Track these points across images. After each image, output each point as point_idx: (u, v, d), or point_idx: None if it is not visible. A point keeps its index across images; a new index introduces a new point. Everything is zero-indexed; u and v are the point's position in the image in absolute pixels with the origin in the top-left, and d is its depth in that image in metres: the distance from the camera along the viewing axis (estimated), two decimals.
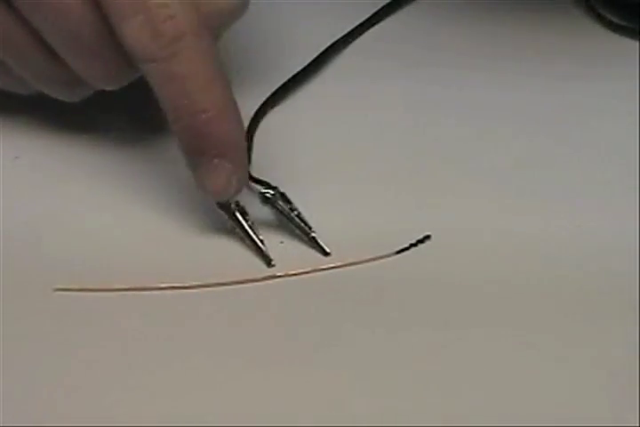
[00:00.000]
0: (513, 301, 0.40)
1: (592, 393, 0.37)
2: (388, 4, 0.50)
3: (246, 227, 0.41)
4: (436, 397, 0.37)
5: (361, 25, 0.49)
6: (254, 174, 0.43)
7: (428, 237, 0.42)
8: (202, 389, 0.37)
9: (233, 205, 0.41)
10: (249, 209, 0.41)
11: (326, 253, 0.41)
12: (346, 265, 0.41)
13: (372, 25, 0.49)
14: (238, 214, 0.41)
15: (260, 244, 0.41)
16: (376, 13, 0.49)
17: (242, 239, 0.41)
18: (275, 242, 0.42)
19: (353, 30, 0.49)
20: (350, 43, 0.47)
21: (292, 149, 0.45)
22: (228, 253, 0.41)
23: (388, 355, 0.38)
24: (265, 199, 0.42)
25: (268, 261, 0.41)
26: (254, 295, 0.40)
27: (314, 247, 0.41)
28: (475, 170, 0.45)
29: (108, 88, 0.42)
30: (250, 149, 0.44)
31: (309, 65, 0.47)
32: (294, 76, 0.47)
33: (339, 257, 0.41)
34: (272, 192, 0.41)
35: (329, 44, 0.47)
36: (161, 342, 0.38)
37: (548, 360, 0.38)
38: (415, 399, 0.37)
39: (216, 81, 0.39)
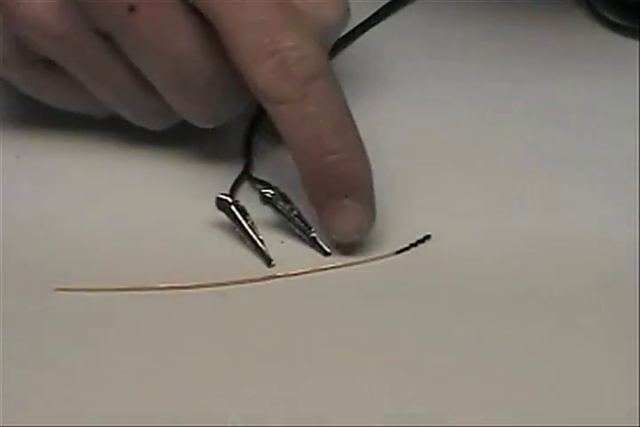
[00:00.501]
0: (513, 301, 0.40)
1: (592, 393, 0.37)
2: (388, 4, 0.50)
3: (246, 227, 0.41)
4: (437, 397, 0.37)
5: (361, 25, 0.49)
6: (254, 174, 0.43)
7: (428, 237, 0.42)
8: (202, 389, 0.37)
9: (233, 206, 0.41)
10: (249, 209, 0.41)
11: (326, 253, 0.41)
12: (346, 265, 0.41)
13: (372, 25, 0.49)
14: (238, 214, 0.41)
15: (260, 244, 0.41)
16: (376, 13, 0.49)
17: (242, 239, 0.41)
18: (275, 242, 0.42)
19: (353, 30, 0.48)
20: (350, 43, 0.47)
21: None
22: (228, 253, 0.41)
23: (389, 355, 0.38)
24: (265, 199, 0.41)
25: (268, 261, 0.41)
26: (254, 295, 0.40)
27: (314, 247, 0.41)
28: (474, 170, 0.45)
29: (206, 126, 0.42)
30: (250, 149, 0.44)
31: None
32: None
33: (339, 257, 0.41)
34: (272, 192, 0.41)
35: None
36: (161, 342, 0.38)
37: (547, 360, 0.38)
38: (415, 399, 0.37)
39: (346, 121, 0.39)
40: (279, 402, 0.36)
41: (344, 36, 0.47)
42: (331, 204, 0.39)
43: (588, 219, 0.43)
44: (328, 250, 0.41)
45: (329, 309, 0.39)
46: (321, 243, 0.41)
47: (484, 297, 0.40)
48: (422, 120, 0.47)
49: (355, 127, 0.39)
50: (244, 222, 0.41)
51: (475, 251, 0.41)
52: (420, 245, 0.41)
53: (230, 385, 0.37)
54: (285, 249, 0.41)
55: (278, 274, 0.40)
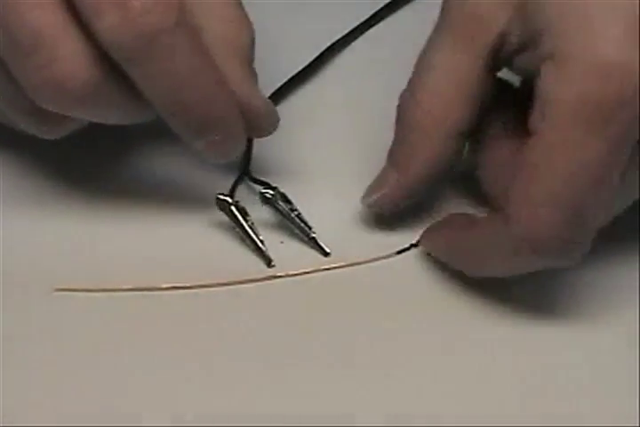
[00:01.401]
0: (514, 301, 0.40)
1: (592, 393, 0.37)
2: (388, 5, 0.50)
3: (246, 227, 0.41)
4: (437, 396, 0.37)
5: (361, 25, 0.49)
6: (254, 174, 0.43)
7: None
8: (202, 388, 0.37)
9: (233, 206, 0.41)
10: (249, 209, 0.41)
11: (326, 254, 0.41)
12: (346, 266, 0.41)
13: (372, 25, 0.49)
14: (238, 214, 0.41)
15: (260, 244, 0.41)
16: (376, 14, 0.49)
17: (242, 239, 0.41)
18: (275, 242, 0.42)
19: (353, 30, 0.48)
20: (350, 43, 0.47)
21: (292, 149, 0.45)
22: (228, 253, 0.41)
23: (389, 355, 0.38)
24: (265, 199, 0.41)
25: (268, 262, 0.41)
26: (254, 295, 0.40)
27: (314, 247, 0.41)
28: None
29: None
30: (250, 149, 0.44)
31: (309, 65, 0.47)
32: (294, 77, 0.47)
33: (339, 257, 0.41)
34: (272, 192, 0.41)
35: (329, 44, 0.47)
36: (161, 342, 0.38)
37: (547, 360, 0.38)
38: (415, 399, 0.37)
39: (200, 72, 0.37)
40: (279, 401, 0.36)
41: (344, 37, 0.46)
42: (202, 143, 0.39)
43: None
44: (328, 250, 0.41)
45: (329, 309, 0.39)
46: (321, 243, 0.41)
47: (484, 297, 0.40)
48: None
49: (213, 71, 0.38)
50: (243, 223, 0.41)
51: None
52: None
53: (231, 384, 0.37)
54: (285, 249, 0.41)
55: (278, 274, 0.40)
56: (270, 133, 0.41)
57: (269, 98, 0.43)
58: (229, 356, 0.38)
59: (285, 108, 0.46)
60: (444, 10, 0.39)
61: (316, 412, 0.36)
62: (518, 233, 0.35)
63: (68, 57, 0.36)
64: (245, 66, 0.40)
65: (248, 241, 0.41)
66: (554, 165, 0.35)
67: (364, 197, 0.41)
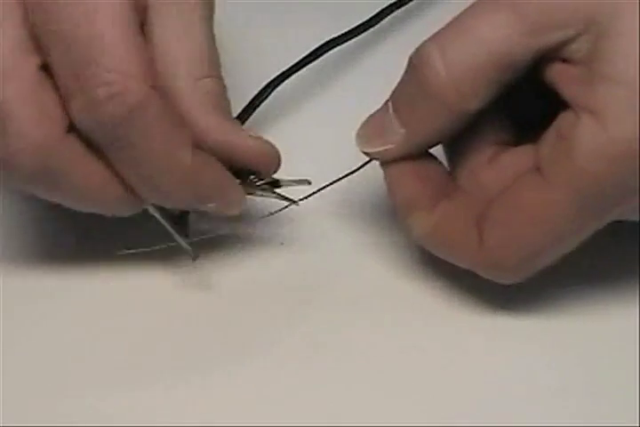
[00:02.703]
0: (514, 301, 0.40)
1: (592, 393, 0.37)
2: (389, 6, 0.50)
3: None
4: (436, 396, 0.37)
5: (363, 24, 0.49)
6: None
7: None
8: (202, 388, 0.37)
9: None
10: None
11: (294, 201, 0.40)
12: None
13: (372, 26, 0.49)
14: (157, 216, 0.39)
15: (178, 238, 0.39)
16: (377, 15, 0.49)
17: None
18: (275, 242, 0.42)
19: (353, 30, 0.48)
20: (340, 42, 0.47)
21: (289, 147, 0.45)
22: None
23: (388, 356, 0.38)
24: None
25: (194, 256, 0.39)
26: (254, 295, 0.40)
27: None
28: None
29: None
30: None
31: (303, 62, 0.47)
32: (284, 72, 0.46)
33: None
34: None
35: (328, 44, 0.46)
36: (161, 342, 0.38)
37: (547, 359, 0.38)
38: (415, 398, 0.37)
39: (172, 156, 0.36)
40: (278, 401, 0.37)
41: (343, 36, 0.46)
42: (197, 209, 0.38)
43: None
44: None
45: (329, 308, 0.40)
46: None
47: (483, 297, 0.40)
48: None
49: (186, 149, 0.36)
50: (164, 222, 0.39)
51: None
52: None
53: (230, 384, 0.37)
54: (285, 249, 0.41)
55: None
56: (275, 172, 0.39)
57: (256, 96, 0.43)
58: (229, 356, 0.38)
59: (284, 108, 0.46)
60: None
61: (314, 411, 0.36)
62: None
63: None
64: (227, 115, 0.39)
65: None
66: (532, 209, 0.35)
67: (362, 143, 0.38)
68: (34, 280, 0.40)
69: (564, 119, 0.35)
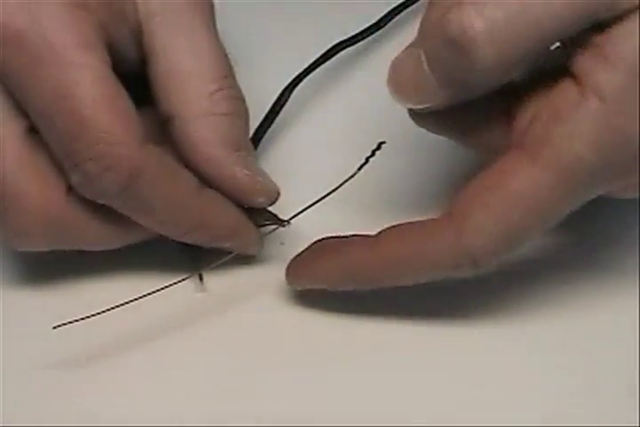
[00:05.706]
0: (513, 300, 0.40)
1: (592, 393, 0.37)
2: (393, 9, 0.50)
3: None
4: (436, 397, 0.37)
5: (368, 28, 0.49)
6: None
7: None
8: (202, 388, 0.37)
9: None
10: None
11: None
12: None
13: (377, 29, 0.49)
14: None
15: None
16: (383, 18, 0.49)
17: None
18: (275, 243, 0.42)
19: (361, 32, 0.48)
20: (350, 44, 0.47)
21: (295, 154, 0.45)
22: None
23: (388, 355, 0.38)
24: None
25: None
26: (254, 295, 0.40)
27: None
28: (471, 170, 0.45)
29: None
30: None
31: (315, 64, 0.47)
32: (298, 75, 0.46)
33: None
34: None
35: (329, 45, 0.47)
36: (161, 342, 0.39)
37: (547, 359, 0.38)
38: (415, 398, 0.37)
39: (170, 215, 0.37)
40: (279, 401, 0.37)
41: (344, 40, 0.47)
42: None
43: (589, 212, 0.42)
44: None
45: (329, 308, 0.40)
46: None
47: (482, 297, 0.40)
48: None
49: (192, 195, 0.37)
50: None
51: None
52: None
53: (231, 384, 0.37)
54: (286, 249, 0.41)
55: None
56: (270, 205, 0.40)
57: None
58: (229, 355, 0.38)
59: (287, 113, 0.46)
60: None
61: (314, 411, 0.37)
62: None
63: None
64: (235, 145, 0.38)
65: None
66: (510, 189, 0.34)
67: (400, 97, 0.36)
68: (33, 280, 0.40)
69: (563, 93, 0.34)
